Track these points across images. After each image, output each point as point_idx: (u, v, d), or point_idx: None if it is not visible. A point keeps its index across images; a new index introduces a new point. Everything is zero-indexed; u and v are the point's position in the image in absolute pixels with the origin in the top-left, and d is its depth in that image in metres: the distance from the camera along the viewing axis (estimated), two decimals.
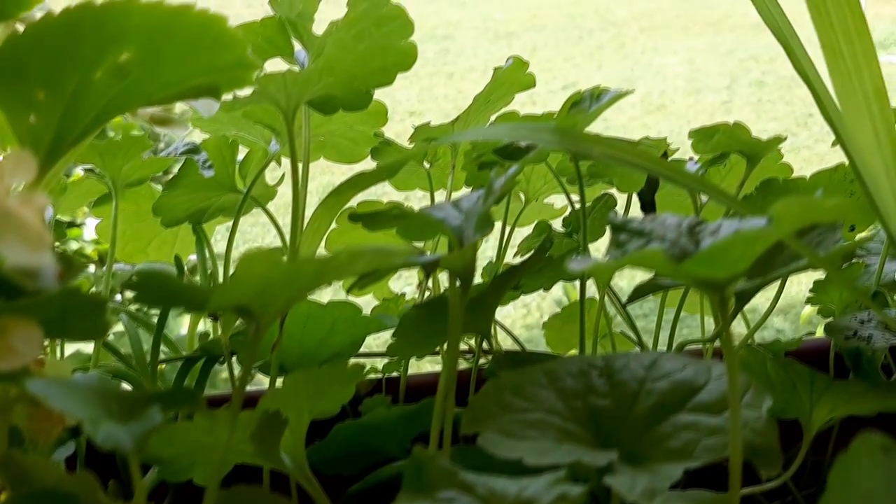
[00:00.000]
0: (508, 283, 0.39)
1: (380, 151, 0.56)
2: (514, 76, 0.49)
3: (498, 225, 0.62)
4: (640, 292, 0.35)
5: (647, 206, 0.39)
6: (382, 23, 0.39)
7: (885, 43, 5.35)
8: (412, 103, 5.02)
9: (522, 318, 2.52)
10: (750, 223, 0.27)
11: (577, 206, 0.51)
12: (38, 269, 0.22)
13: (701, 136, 0.42)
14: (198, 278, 0.58)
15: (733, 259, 0.26)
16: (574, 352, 0.58)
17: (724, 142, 0.41)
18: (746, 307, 0.41)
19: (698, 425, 0.30)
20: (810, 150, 4.16)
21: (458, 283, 0.34)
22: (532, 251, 0.42)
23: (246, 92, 0.41)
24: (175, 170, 0.53)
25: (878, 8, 5.97)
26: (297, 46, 0.46)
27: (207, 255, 0.57)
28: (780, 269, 0.35)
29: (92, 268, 0.98)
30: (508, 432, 0.30)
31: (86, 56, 0.28)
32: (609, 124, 4.52)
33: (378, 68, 0.41)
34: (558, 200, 0.63)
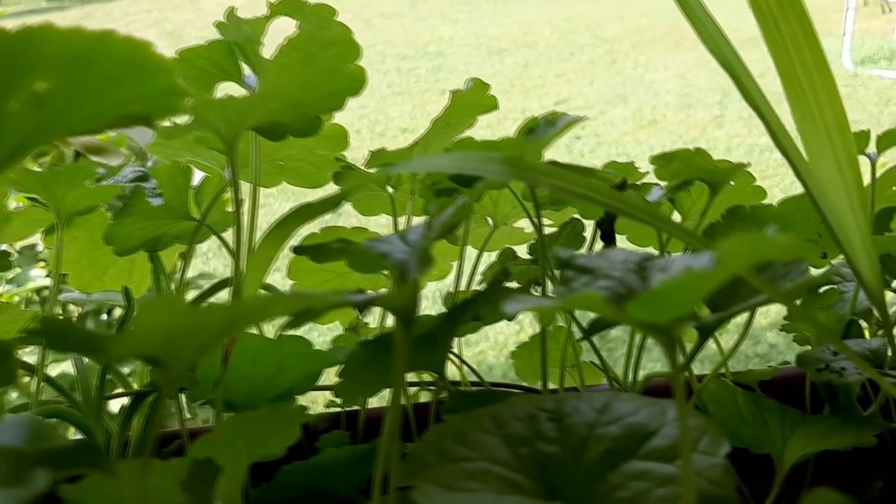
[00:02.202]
0: (461, 317, 0.37)
1: (342, 176, 0.54)
2: (474, 99, 0.48)
3: (470, 251, 0.61)
4: (594, 328, 0.33)
5: (606, 235, 0.37)
6: (327, 46, 0.37)
7: (874, 57, 5.38)
8: (404, 120, 5.02)
9: (515, 335, 2.50)
10: (697, 262, 0.25)
11: (556, 230, 0.49)
12: None
13: (661, 163, 0.40)
14: None
15: (678, 301, 0.24)
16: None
17: (682, 169, 0.39)
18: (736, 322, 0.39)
19: (650, 474, 0.28)
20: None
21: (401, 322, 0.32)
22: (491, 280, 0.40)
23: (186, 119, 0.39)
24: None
25: (866, 23, 6.01)
26: (247, 70, 0.44)
27: (164, 284, 0.55)
28: (742, 304, 0.33)
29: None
30: (446, 484, 0.28)
31: None
32: (601, 139, 4.52)
33: (325, 94, 0.39)
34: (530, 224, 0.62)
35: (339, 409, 0.51)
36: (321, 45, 0.37)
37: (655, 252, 0.32)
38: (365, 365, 0.36)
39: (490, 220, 0.58)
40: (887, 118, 4.59)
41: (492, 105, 0.50)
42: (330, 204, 0.38)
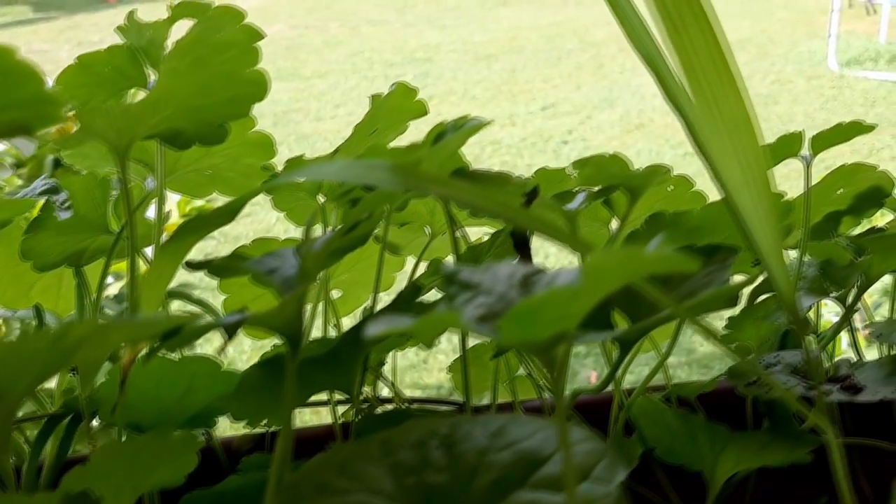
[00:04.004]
0: (362, 334, 0.35)
1: (270, 185, 0.52)
2: (398, 103, 0.46)
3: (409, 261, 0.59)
4: (500, 351, 0.31)
5: (520, 244, 0.35)
6: (221, 49, 0.35)
7: (859, 59, 5.39)
8: None
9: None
10: (566, 278, 0.23)
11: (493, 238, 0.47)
12: None
13: (579, 169, 0.38)
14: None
15: (550, 319, 0.22)
16: (488, 396, 0.54)
17: (594, 175, 0.38)
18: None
19: None
20: (787, 166, 4.17)
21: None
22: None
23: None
24: None
25: (852, 24, 6.03)
26: (153, 76, 0.42)
27: (87, 300, 0.53)
28: (653, 319, 0.31)
29: None
30: None
31: None
32: (588, 144, 4.52)
33: (225, 99, 0.37)
34: (478, 231, 0.60)
35: (264, 430, 0.48)
36: (214, 48, 0.35)
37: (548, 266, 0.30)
38: (261, 387, 0.34)
39: (428, 230, 0.56)
40: (873, 119, 4.59)
41: (420, 110, 0.48)
42: (225, 215, 0.36)
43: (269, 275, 0.31)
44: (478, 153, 4.43)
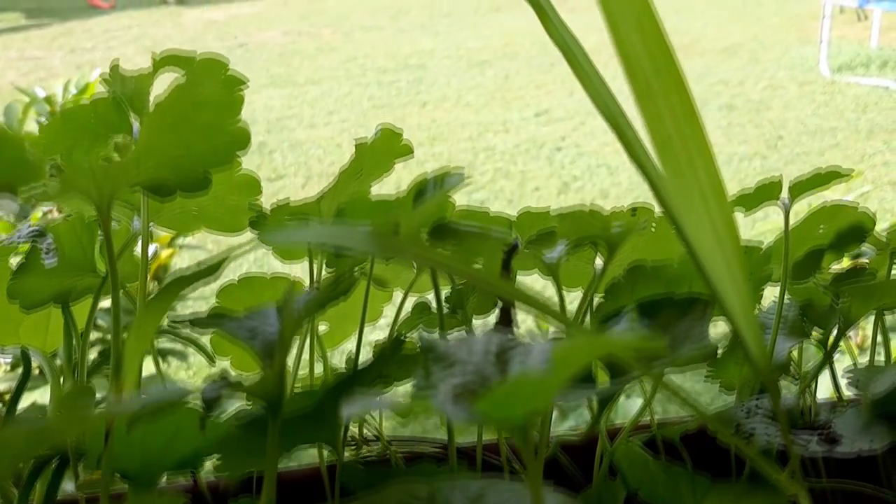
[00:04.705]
0: (353, 387, 0.36)
1: (257, 223, 0.53)
2: (382, 148, 0.46)
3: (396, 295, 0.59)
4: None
5: (504, 312, 0.35)
6: (202, 106, 0.35)
7: (851, 64, 5.42)
8: None
9: None
10: (535, 360, 0.23)
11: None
12: None
13: (559, 221, 0.38)
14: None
15: (525, 399, 0.23)
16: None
17: (573, 229, 0.38)
18: None
19: None
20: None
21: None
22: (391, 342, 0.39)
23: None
24: None
25: (843, 30, 6.06)
26: (137, 125, 0.42)
27: (75, 338, 0.53)
28: (629, 376, 0.32)
29: None
30: None
31: None
32: (581, 150, 4.53)
33: (206, 151, 0.37)
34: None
35: (251, 471, 0.49)
36: (194, 105, 0.35)
37: (523, 334, 0.30)
38: (243, 444, 0.35)
39: (415, 264, 0.56)
40: (864, 125, 4.62)
41: (405, 152, 0.48)
42: (208, 272, 0.36)
43: (250, 338, 0.31)
44: (471, 159, 4.44)
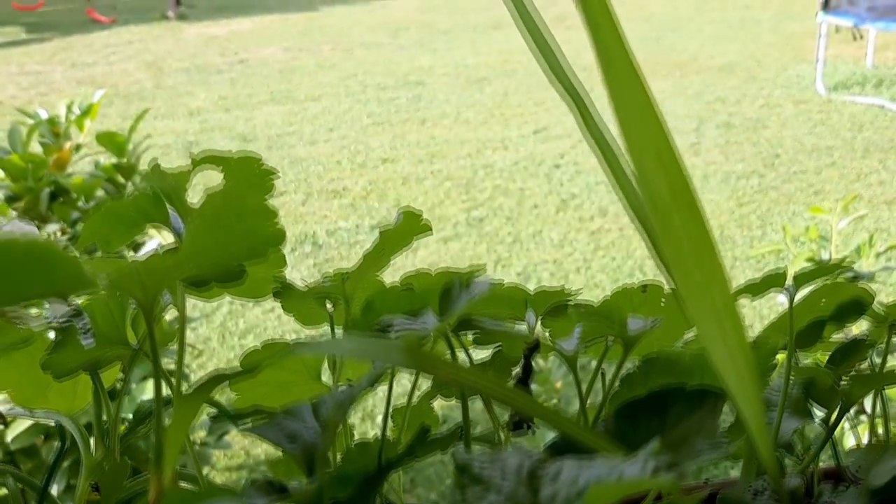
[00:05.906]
0: (375, 489, 0.38)
1: (281, 294, 0.55)
2: (405, 229, 0.49)
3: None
4: None
5: (523, 380, 0.38)
6: (242, 217, 0.38)
7: (847, 83, 5.47)
8: (385, 150, 5.04)
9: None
10: (567, 475, 0.25)
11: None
12: None
13: (576, 314, 0.41)
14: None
15: None
16: None
17: (590, 331, 0.40)
18: None
19: None
20: (777, 191, 4.22)
21: None
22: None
23: None
24: None
25: (839, 49, 6.12)
26: (175, 216, 0.45)
27: (104, 403, 0.55)
28: None
29: None
30: None
31: None
32: (580, 168, 4.56)
33: (245, 250, 0.40)
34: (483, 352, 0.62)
35: None
36: (237, 215, 0.37)
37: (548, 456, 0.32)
38: None
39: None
40: (860, 143, 4.66)
41: (425, 229, 0.51)
42: (246, 373, 0.38)
43: (290, 443, 0.33)
44: (470, 177, 4.47)
